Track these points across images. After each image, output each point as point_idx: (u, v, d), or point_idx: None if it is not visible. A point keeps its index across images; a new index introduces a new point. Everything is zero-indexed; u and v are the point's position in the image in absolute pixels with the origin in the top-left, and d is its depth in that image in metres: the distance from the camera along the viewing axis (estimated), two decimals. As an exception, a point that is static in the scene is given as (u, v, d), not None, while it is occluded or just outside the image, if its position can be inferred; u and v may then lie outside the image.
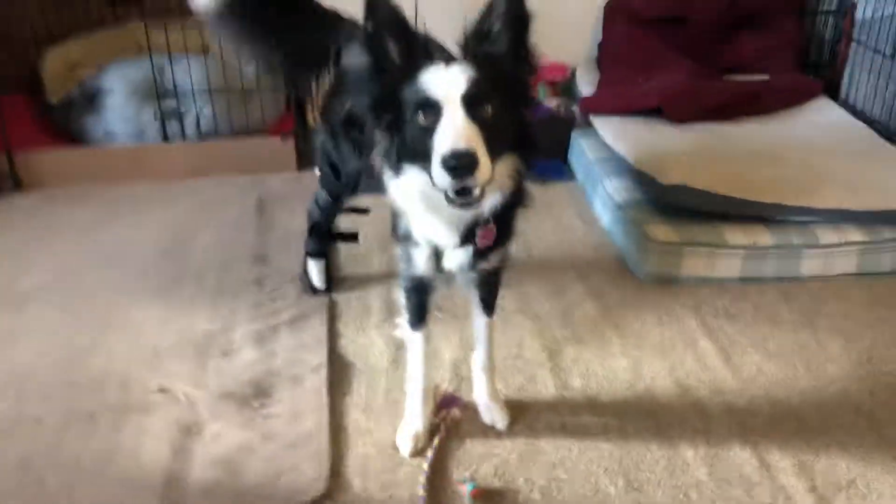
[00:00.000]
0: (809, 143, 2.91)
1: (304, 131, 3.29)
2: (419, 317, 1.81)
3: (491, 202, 1.53)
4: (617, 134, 2.96)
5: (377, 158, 1.59)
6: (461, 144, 1.36)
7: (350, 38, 2.11)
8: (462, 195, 1.41)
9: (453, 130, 1.39)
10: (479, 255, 1.65)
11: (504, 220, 1.63)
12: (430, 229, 1.61)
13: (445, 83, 1.43)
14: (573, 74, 3.56)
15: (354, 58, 2.09)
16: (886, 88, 3.08)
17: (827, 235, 2.50)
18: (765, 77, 3.39)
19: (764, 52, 3.52)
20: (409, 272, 1.74)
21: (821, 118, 3.16)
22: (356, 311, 2.36)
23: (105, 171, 3.06)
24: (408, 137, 1.49)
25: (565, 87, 3.54)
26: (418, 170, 1.49)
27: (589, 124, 3.21)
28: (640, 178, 2.64)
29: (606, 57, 3.49)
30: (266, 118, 3.23)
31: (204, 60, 3.07)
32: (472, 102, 1.42)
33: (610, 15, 3.50)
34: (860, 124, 3.09)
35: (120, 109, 3.04)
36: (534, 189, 1.68)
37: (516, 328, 2.27)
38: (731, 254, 2.48)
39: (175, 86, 3.04)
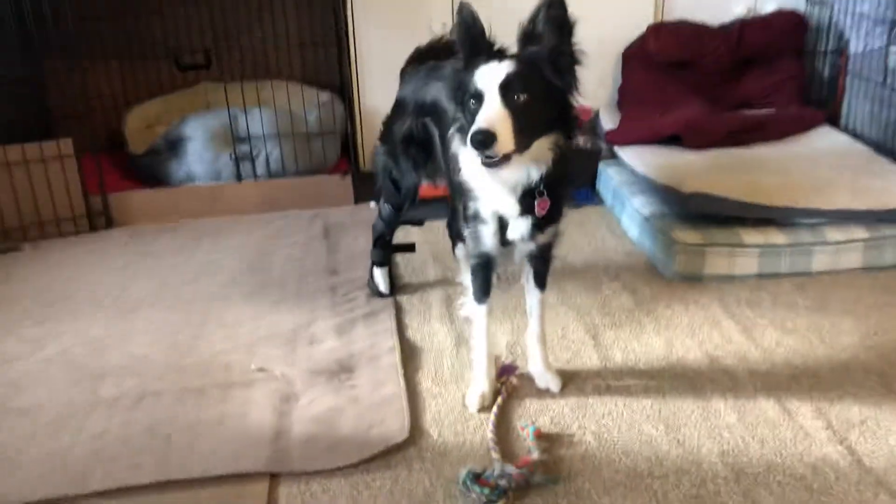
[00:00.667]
0: (814, 160, 3.25)
1: (357, 171, 3.69)
2: (484, 291, 2.14)
3: (538, 170, 1.88)
4: (640, 159, 3.32)
5: (455, 134, 1.98)
6: (482, 125, 1.72)
7: (405, 74, 2.52)
8: (488, 159, 1.76)
9: (484, 114, 1.75)
10: (537, 226, 1.98)
11: (556, 195, 1.97)
12: (495, 199, 1.95)
13: (489, 76, 1.79)
14: (597, 115, 3.95)
15: (404, 90, 2.49)
16: (881, 112, 3.43)
17: (834, 234, 2.81)
18: (771, 111, 3.76)
19: (769, 89, 3.90)
20: (477, 250, 2.07)
21: (824, 141, 3.51)
22: (418, 309, 2.69)
23: (186, 209, 3.46)
24: (466, 118, 1.86)
25: (591, 127, 3.93)
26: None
27: (613, 155, 3.58)
28: (665, 191, 2.99)
29: (626, 98, 3.88)
30: (326, 159, 3.63)
31: (273, 110, 3.50)
32: (506, 91, 1.76)
33: (628, 61, 3.91)
34: (860, 145, 3.43)
35: (199, 153, 3.46)
36: (569, 206, 2.06)
37: (560, 317, 2.58)
38: (748, 252, 2.80)
39: (248, 132, 3.46)
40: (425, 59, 2.55)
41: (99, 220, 3.40)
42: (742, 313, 2.59)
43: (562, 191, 2.01)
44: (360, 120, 3.89)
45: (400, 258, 2.91)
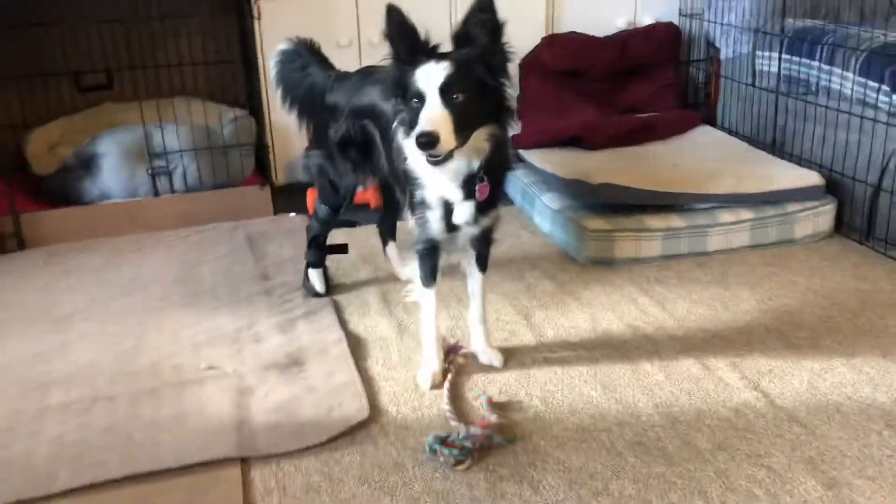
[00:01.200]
0: (700, 154, 3.58)
1: (272, 182, 3.76)
2: (431, 276, 2.27)
3: (478, 159, 2.04)
4: (545, 159, 3.56)
5: (399, 127, 2.12)
6: (426, 127, 1.87)
7: (335, 80, 2.64)
8: (432, 157, 1.92)
9: (426, 115, 1.90)
10: (479, 210, 2.14)
11: (494, 181, 2.14)
12: (440, 186, 2.11)
13: (429, 78, 1.93)
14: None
15: (336, 95, 2.61)
16: (752, 110, 3.82)
17: (725, 216, 3.13)
18: (655, 114, 4.10)
19: (651, 95, 4.25)
20: (425, 235, 2.21)
21: (705, 138, 3.87)
22: (356, 305, 2.79)
23: (103, 227, 3.41)
24: (408, 113, 2.01)
25: (493, 134, 4.14)
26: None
27: (520, 159, 3.81)
28: (574, 185, 3.22)
29: (526, 105, 4.13)
30: (243, 172, 3.68)
31: (189, 125, 3.52)
32: (445, 92, 1.91)
33: (525, 70, 4.16)
34: (736, 139, 3.81)
35: (114, 170, 3.43)
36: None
37: (492, 303, 2.73)
38: (652, 237, 3.07)
39: (165, 146, 3.47)
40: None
41: (10, 241, 3.31)
42: (653, 289, 2.85)
43: (499, 176, 2.19)
44: (272, 135, 3.95)
45: (329, 261, 3.00)
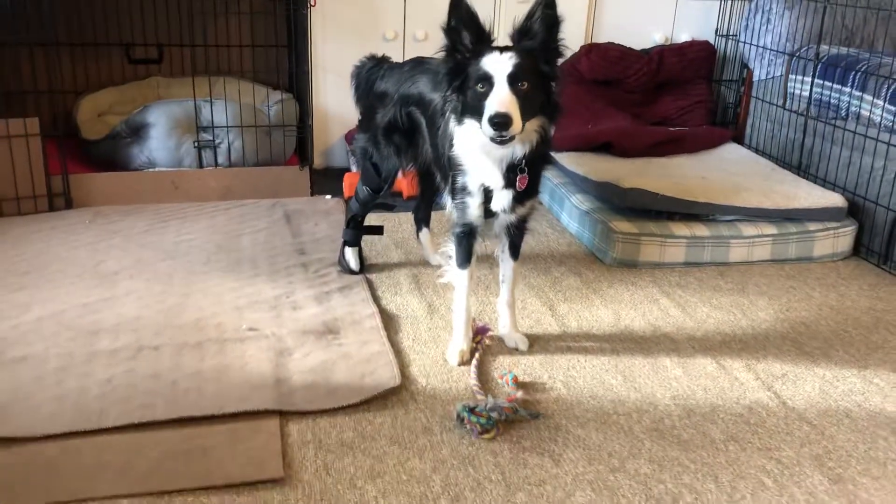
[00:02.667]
0: (726, 169, 3.69)
1: (310, 164, 3.88)
2: (466, 258, 2.39)
3: (522, 148, 2.16)
4: (576, 162, 3.67)
5: (449, 114, 2.24)
6: (502, 108, 2.00)
7: (386, 69, 2.76)
8: (501, 138, 2.04)
9: (498, 99, 2.02)
10: (517, 199, 2.26)
11: (534, 173, 2.25)
12: (482, 173, 2.22)
13: (498, 65, 2.05)
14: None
15: (386, 83, 2.73)
16: (781, 131, 3.92)
17: (748, 229, 3.23)
18: (685, 128, 4.21)
19: (682, 110, 4.36)
20: (463, 219, 2.33)
21: (732, 155, 3.97)
22: (387, 284, 2.90)
23: (147, 193, 3.55)
24: (469, 99, 2.12)
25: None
26: (474, 121, 2.12)
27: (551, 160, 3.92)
28: (604, 188, 3.34)
29: (560, 110, 4.24)
30: (285, 153, 3.81)
31: (237, 103, 3.66)
32: (513, 80, 2.04)
33: (562, 75, 4.28)
34: (763, 158, 3.91)
35: (162, 140, 3.56)
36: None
37: (518, 293, 2.86)
38: (677, 243, 3.17)
39: (213, 121, 3.60)
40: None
41: (59, 200, 3.44)
42: (675, 293, 2.95)
43: (539, 168, 2.31)
44: (313, 119, 4.08)
45: (364, 242, 3.12)
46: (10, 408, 2.05)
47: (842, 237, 3.32)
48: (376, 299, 2.77)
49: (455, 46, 2.15)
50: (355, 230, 2.96)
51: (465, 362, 2.38)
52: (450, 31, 2.13)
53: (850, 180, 3.45)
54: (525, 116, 2.07)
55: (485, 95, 2.05)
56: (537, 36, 2.11)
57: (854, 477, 1.97)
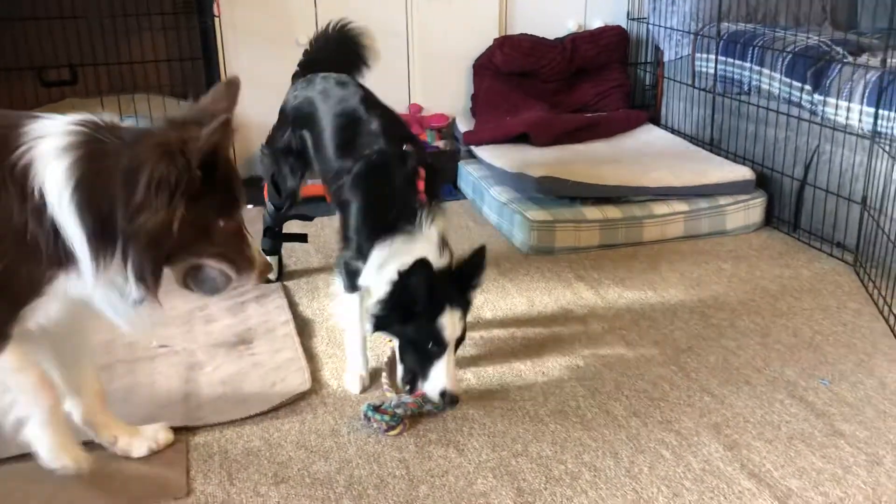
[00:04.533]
0: (640, 151, 3.77)
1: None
2: (353, 285, 2.26)
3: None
4: (494, 155, 3.72)
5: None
6: (456, 391, 2.09)
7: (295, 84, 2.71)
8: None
9: (450, 373, 2.08)
10: None
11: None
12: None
13: (451, 329, 2.06)
14: (453, 121, 4.34)
15: (289, 98, 2.69)
16: (692, 109, 4.01)
17: (660, 208, 3.30)
18: (602, 114, 4.27)
19: (599, 96, 4.42)
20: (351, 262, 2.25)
21: (648, 137, 4.05)
22: (305, 290, 2.92)
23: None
24: (410, 341, 2.10)
25: (447, 132, 4.30)
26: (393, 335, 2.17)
27: (471, 154, 3.96)
28: (519, 178, 3.38)
29: (478, 104, 4.29)
30: (202, 165, 3.79)
31: (150, 120, 3.63)
32: (458, 342, 2.13)
33: (478, 71, 4.32)
34: (677, 138, 3.99)
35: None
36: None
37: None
38: (590, 227, 3.23)
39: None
40: (310, 65, 2.78)
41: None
42: (589, 275, 3.01)
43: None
44: (231, 130, 4.07)
45: (284, 249, 3.12)
46: None
47: (752, 209, 3.40)
48: (293, 305, 2.78)
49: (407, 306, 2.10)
50: (271, 239, 2.97)
51: (366, 387, 2.29)
52: (420, 296, 2.06)
53: (757, 153, 3.54)
54: None
55: (432, 356, 2.09)
56: (475, 287, 2.21)
57: (749, 442, 2.03)
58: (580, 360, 2.42)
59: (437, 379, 2.06)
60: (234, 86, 1.78)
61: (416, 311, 2.06)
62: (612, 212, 3.26)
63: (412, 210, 2.12)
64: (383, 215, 2.14)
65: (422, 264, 2.01)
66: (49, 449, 1.80)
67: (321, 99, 2.50)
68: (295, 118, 2.59)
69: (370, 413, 2.07)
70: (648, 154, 3.68)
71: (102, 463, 1.96)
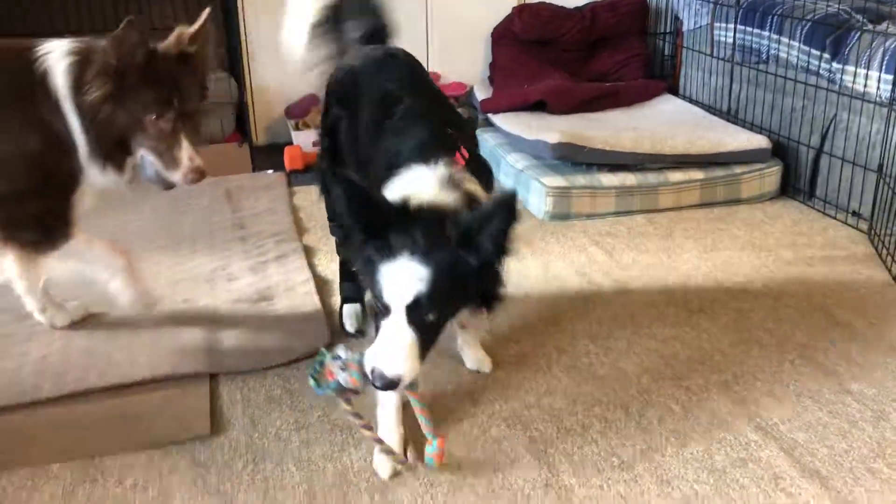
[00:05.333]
0: (657, 120, 3.78)
1: (251, 143, 3.94)
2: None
3: None
4: (511, 122, 3.74)
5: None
6: (390, 371, 1.52)
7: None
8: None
9: (385, 347, 1.53)
10: None
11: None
12: None
13: (395, 286, 1.52)
14: (471, 90, 4.36)
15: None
16: (710, 79, 4.01)
17: (675, 176, 3.32)
18: (620, 83, 4.28)
19: (618, 66, 4.43)
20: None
21: (665, 106, 4.06)
22: (325, 251, 2.97)
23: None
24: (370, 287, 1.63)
25: (465, 101, 4.33)
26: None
27: (488, 123, 3.99)
28: (535, 145, 3.41)
29: (496, 72, 4.31)
30: (223, 130, 3.85)
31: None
32: (415, 310, 1.52)
33: (497, 39, 4.34)
34: (695, 107, 4.00)
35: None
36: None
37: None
38: (606, 194, 3.26)
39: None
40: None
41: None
42: (604, 241, 3.05)
43: None
44: (252, 96, 4.12)
45: (302, 211, 3.18)
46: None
47: (768, 178, 3.42)
48: (312, 266, 2.84)
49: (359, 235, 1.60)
50: (353, 282, 2.33)
51: (401, 470, 1.80)
52: (346, 213, 1.58)
53: (774, 122, 3.55)
54: (433, 342, 1.61)
55: (381, 315, 1.58)
56: (480, 249, 1.55)
57: (757, 398, 2.08)
58: (593, 320, 2.46)
59: (372, 349, 1.57)
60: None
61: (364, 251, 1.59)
62: (629, 179, 3.28)
63: (434, 153, 1.74)
64: (401, 153, 1.79)
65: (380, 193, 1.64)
66: (130, 296, 2.30)
67: (363, 73, 2.14)
68: (331, 94, 2.25)
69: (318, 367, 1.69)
70: (666, 123, 3.70)
71: (128, 406, 2.05)
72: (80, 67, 1.96)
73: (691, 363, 2.24)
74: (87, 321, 2.46)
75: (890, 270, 2.74)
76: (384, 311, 1.55)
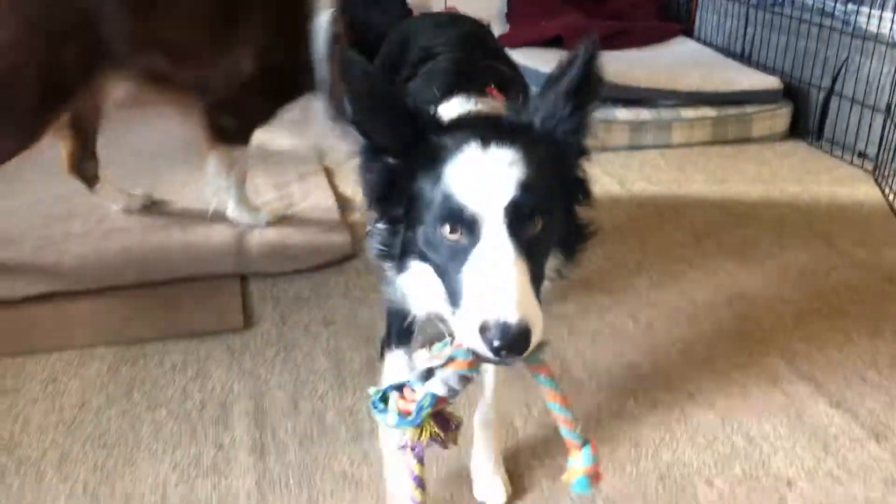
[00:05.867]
0: (673, 60, 3.84)
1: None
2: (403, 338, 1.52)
3: None
4: (528, 57, 3.78)
5: (373, 247, 1.26)
6: (514, 317, 1.02)
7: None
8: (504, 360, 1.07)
9: (502, 286, 1.04)
10: None
11: None
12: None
13: (484, 186, 1.10)
14: (489, 25, 4.39)
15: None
16: (725, 22, 4.06)
17: (688, 112, 3.40)
18: (636, 22, 4.33)
19: (634, 7, 4.47)
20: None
21: (680, 48, 4.12)
22: (346, 172, 3.06)
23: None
24: (422, 241, 1.17)
25: (483, 36, 4.37)
26: (433, 273, 1.18)
27: (505, 58, 4.05)
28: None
29: (514, 8, 4.36)
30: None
31: None
32: (520, 217, 1.09)
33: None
34: (710, 49, 4.06)
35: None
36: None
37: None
38: (620, 128, 3.35)
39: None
40: None
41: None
42: (617, 173, 3.14)
43: None
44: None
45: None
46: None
47: (778, 118, 3.50)
48: (334, 186, 2.94)
49: (377, 144, 1.19)
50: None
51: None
52: (357, 121, 1.16)
53: (787, 64, 3.61)
54: (537, 281, 1.13)
55: (461, 254, 1.11)
56: (568, 107, 1.21)
57: (759, 314, 2.19)
58: (605, 241, 2.49)
59: (481, 304, 1.06)
60: None
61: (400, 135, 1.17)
62: (642, 114, 3.37)
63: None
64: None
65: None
66: (248, 211, 2.54)
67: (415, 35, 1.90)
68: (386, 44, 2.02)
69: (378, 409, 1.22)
70: (680, 62, 3.76)
71: (166, 300, 2.17)
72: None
73: (697, 281, 2.35)
74: (121, 224, 2.56)
75: (892, 206, 2.84)
76: (465, 230, 1.10)
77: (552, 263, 1.26)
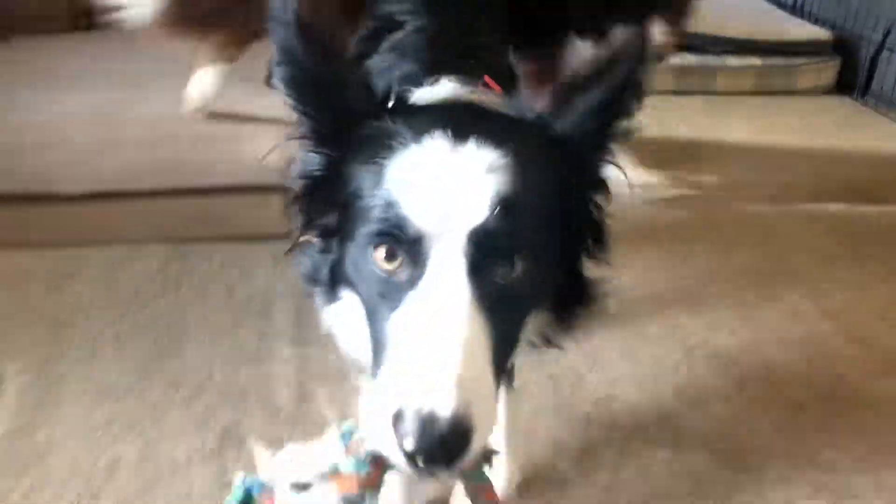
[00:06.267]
0: (722, 6, 3.80)
1: None
2: None
3: None
4: None
5: (301, 269, 1.05)
6: (447, 405, 0.72)
7: None
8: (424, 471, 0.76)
9: (439, 353, 0.75)
10: None
11: None
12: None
13: (442, 194, 0.81)
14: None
15: None
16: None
17: (734, 60, 3.40)
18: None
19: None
20: None
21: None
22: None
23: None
24: (349, 264, 0.91)
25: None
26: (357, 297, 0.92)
27: None
28: (599, 18, 3.49)
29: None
30: None
31: None
32: (490, 250, 0.81)
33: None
34: (762, 2, 4.02)
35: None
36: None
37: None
38: (665, 72, 3.35)
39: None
40: None
41: (82, 21, 3.63)
42: (659, 116, 3.14)
43: None
44: None
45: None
46: (45, 173, 2.32)
47: (825, 71, 3.48)
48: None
49: (314, 127, 0.97)
50: None
51: None
52: (288, 88, 0.93)
53: (839, 17, 3.57)
54: (502, 351, 0.84)
55: (395, 293, 0.83)
56: (596, 123, 0.91)
57: (788, 255, 2.26)
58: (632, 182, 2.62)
59: (392, 374, 0.80)
60: None
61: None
62: (688, 59, 3.36)
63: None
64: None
65: None
66: None
67: None
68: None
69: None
70: (730, 13, 3.72)
71: (213, 206, 2.27)
72: None
73: (727, 221, 2.41)
74: (171, 131, 2.64)
75: (933, 164, 2.85)
76: (407, 257, 0.82)
77: (535, 322, 0.92)
